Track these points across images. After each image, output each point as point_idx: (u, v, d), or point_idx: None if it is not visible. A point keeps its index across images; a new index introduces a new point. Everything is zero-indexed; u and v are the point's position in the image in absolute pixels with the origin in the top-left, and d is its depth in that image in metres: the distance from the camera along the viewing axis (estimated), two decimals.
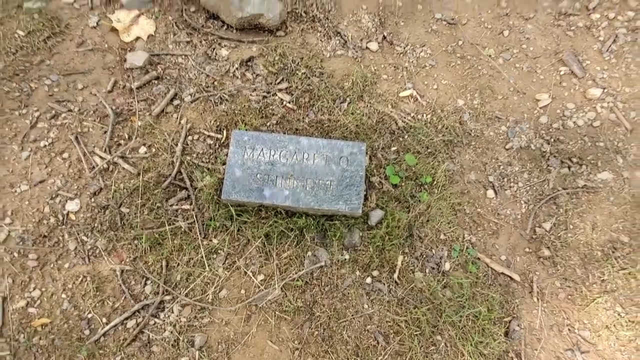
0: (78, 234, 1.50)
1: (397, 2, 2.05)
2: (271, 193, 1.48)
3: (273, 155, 1.52)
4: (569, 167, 1.81)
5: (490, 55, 2.00)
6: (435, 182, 1.67)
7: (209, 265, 1.48)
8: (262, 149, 1.53)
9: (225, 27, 1.92)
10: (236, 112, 1.71)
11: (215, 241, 1.52)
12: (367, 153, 1.66)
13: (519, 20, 2.07)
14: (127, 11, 1.87)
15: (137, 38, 1.83)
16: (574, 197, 1.74)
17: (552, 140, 1.85)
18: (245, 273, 1.48)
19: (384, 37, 1.98)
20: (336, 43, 1.95)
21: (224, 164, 1.59)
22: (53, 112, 1.68)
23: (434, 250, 1.60)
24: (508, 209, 1.73)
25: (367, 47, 1.96)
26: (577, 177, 1.79)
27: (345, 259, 1.52)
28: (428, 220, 1.62)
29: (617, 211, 1.74)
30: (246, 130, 1.64)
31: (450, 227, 1.64)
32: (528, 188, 1.76)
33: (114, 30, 1.83)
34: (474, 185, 1.74)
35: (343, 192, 1.50)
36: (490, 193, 1.74)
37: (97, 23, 1.83)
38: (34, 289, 1.44)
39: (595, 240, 1.69)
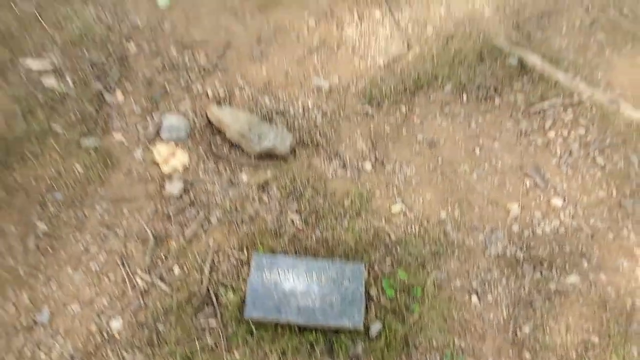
0: (119, 351, 1.75)
1: (385, 128, 2.49)
2: (286, 311, 1.75)
3: (288, 277, 1.82)
4: (541, 272, 2.09)
5: (465, 171, 2.38)
6: (425, 292, 1.94)
7: None
8: (279, 271, 1.83)
9: (245, 154, 2.33)
10: (255, 233, 2.04)
11: (237, 355, 1.76)
12: (365, 267, 1.96)
13: (488, 140, 2.50)
14: (166, 144, 2.30)
15: (174, 169, 2.23)
16: (547, 301, 2.00)
17: (525, 247, 2.16)
18: None
19: (376, 158, 2.39)
20: (336, 164, 2.35)
21: (245, 280, 1.88)
22: (103, 236, 2.02)
23: (428, 357, 1.82)
24: (491, 313, 1.97)
25: (362, 167, 2.36)
26: (549, 281, 2.06)
27: None
28: (421, 329, 1.86)
29: (587, 312, 1.98)
30: (264, 252, 1.96)
31: (441, 334, 1.88)
32: (507, 293, 2.03)
33: (155, 162, 2.24)
34: (459, 291, 2.01)
35: (346, 309, 1.77)
36: (475, 298, 2.00)
37: (142, 158, 2.24)
38: None
39: (570, 341, 1.92)
